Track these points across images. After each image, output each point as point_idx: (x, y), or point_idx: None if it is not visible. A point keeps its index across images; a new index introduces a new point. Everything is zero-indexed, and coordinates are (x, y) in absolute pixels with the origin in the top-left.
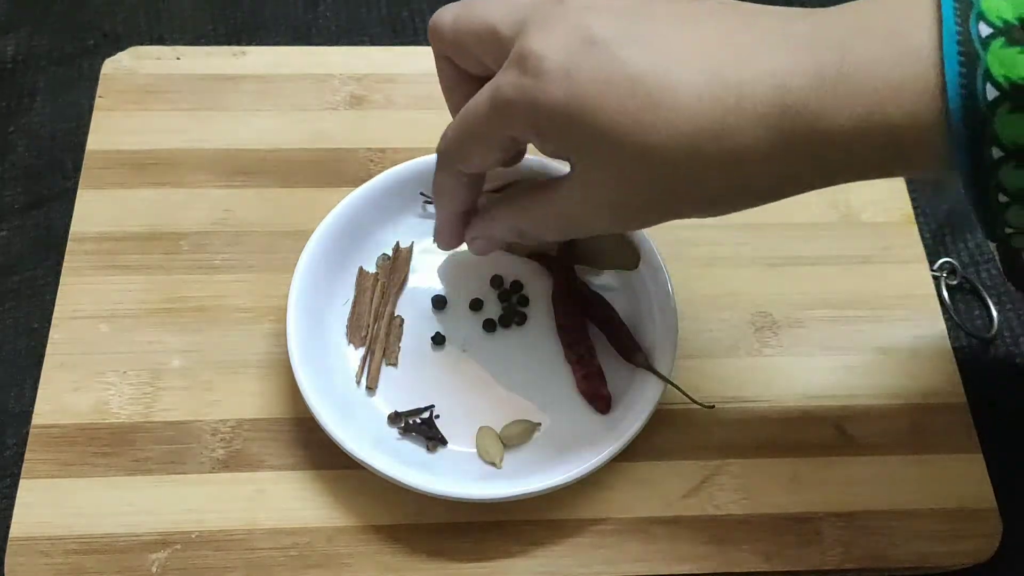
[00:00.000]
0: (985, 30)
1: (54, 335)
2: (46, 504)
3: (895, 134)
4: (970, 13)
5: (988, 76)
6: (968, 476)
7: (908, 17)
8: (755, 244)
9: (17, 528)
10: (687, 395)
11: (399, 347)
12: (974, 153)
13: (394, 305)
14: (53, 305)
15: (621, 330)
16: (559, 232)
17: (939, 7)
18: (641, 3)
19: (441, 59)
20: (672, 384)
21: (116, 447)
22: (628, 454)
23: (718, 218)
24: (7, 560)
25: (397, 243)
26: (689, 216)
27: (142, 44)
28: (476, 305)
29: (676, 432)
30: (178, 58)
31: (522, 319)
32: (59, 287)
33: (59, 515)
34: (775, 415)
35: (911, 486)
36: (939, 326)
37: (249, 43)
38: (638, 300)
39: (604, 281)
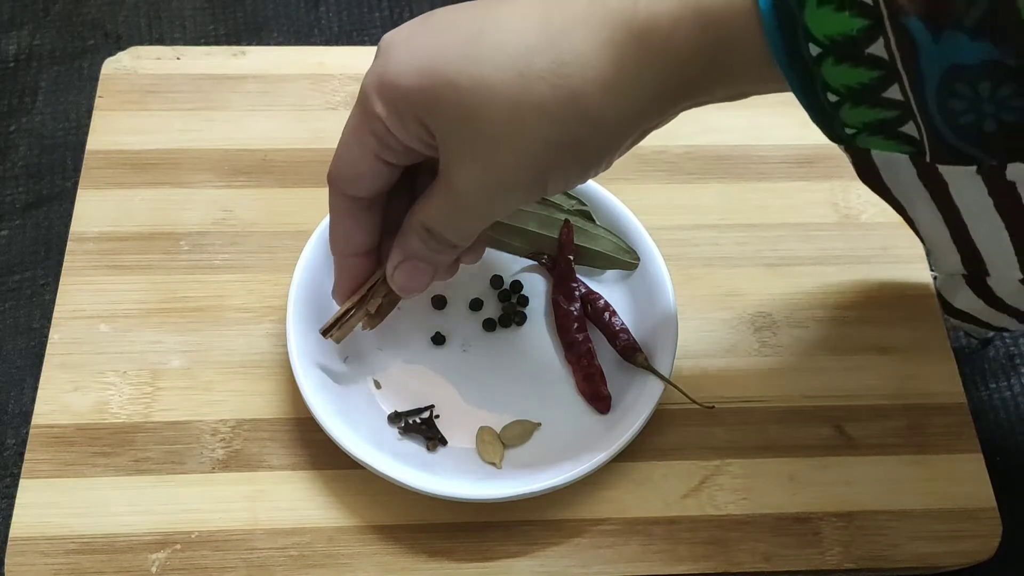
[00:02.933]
0: None
1: (54, 335)
2: (46, 504)
3: (719, 32)
4: None
5: None
6: (968, 476)
7: None
8: (755, 244)
9: (17, 528)
10: (687, 395)
11: (383, 302)
12: (792, 52)
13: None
14: (53, 305)
15: (621, 330)
16: (462, 225)
17: None
18: (471, 5)
19: (340, 200)
20: (672, 384)
21: (116, 447)
22: (628, 454)
23: (718, 218)
24: (7, 560)
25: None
26: (551, 184)
27: (142, 44)
28: (476, 305)
29: (676, 432)
30: (178, 58)
31: (522, 319)
32: (59, 287)
33: (59, 515)
34: (775, 415)
35: (911, 486)
36: (939, 326)
37: (249, 43)
38: (638, 300)
39: (604, 281)
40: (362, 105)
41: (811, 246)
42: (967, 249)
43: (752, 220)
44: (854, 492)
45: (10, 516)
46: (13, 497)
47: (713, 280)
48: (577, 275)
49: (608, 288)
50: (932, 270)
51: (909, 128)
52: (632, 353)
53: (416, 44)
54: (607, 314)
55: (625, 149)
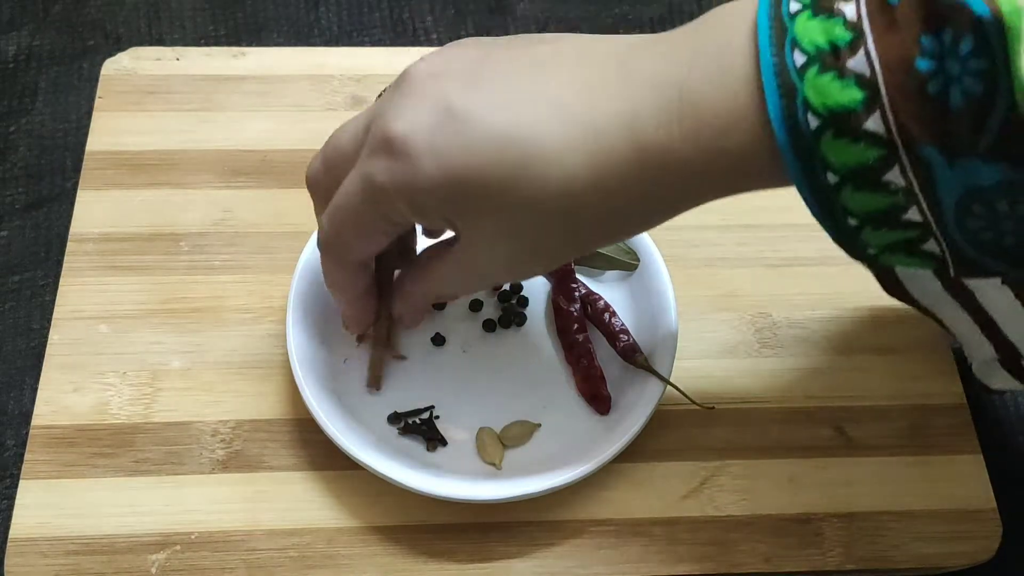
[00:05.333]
0: (800, 58)
1: (54, 335)
2: (46, 505)
3: (739, 162)
4: (785, 40)
5: (808, 105)
6: (968, 476)
7: (731, 46)
8: (755, 244)
9: (17, 528)
10: (687, 396)
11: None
12: (812, 180)
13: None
14: (53, 305)
15: (621, 331)
16: (470, 288)
17: (756, 36)
18: (479, 60)
19: (324, 206)
20: (672, 385)
21: (116, 448)
22: (628, 455)
23: (718, 219)
24: (7, 560)
25: None
26: (571, 256)
27: (142, 44)
28: (476, 306)
29: (676, 433)
30: (178, 59)
31: (521, 320)
32: (59, 287)
33: (59, 515)
34: (775, 415)
35: (911, 487)
36: (939, 326)
37: (249, 44)
38: (638, 300)
39: (604, 281)
40: (373, 198)
41: (812, 246)
42: (998, 340)
43: (752, 220)
44: (855, 493)
45: (10, 517)
46: (13, 498)
47: (713, 280)
48: (577, 276)
49: (608, 288)
50: (966, 356)
51: (931, 246)
52: (632, 354)
53: (442, 146)
54: (607, 315)
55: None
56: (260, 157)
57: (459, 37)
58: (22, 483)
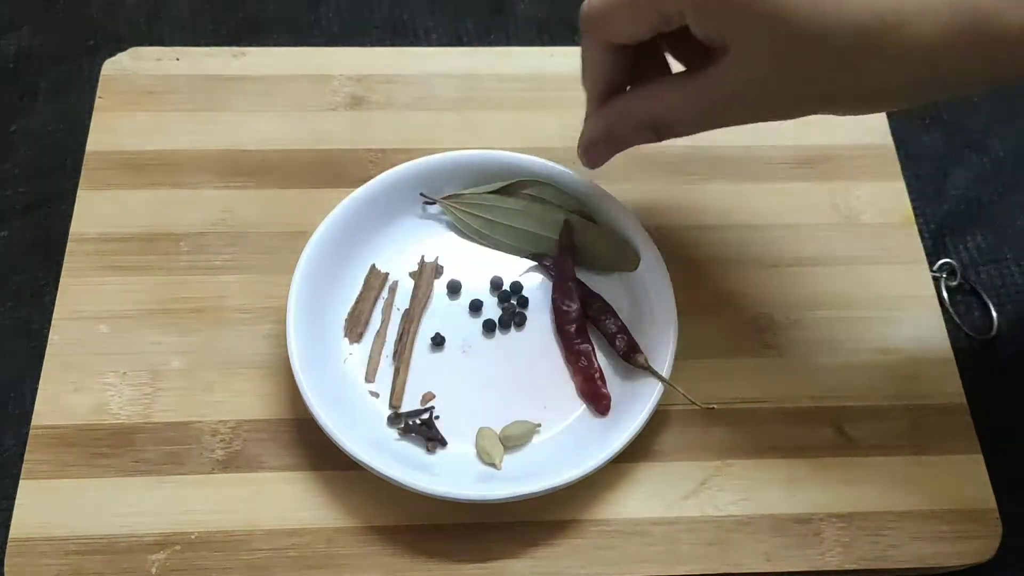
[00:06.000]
0: None
1: (54, 336)
2: (46, 505)
3: None
4: None
5: None
6: (968, 476)
7: None
8: (756, 244)
9: (17, 528)
10: (687, 396)
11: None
12: None
13: (418, 323)
14: (53, 305)
15: (620, 331)
16: (699, 123)
17: None
18: None
19: (598, 47)
20: (672, 385)
21: (116, 448)
22: (628, 455)
23: (718, 219)
24: (7, 560)
25: (422, 257)
26: (838, 111)
27: (142, 44)
28: (476, 306)
29: (676, 433)
30: (178, 59)
31: (521, 320)
32: (59, 287)
33: (59, 515)
34: (775, 415)
35: (911, 487)
36: (939, 326)
37: (249, 44)
38: (638, 300)
39: (604, 281)
40: None
41: (811, 246)
42: None
43: (753, 221)
44: (854, 493)
45: (10, 517)
46: (13, 498)
47: (713, 280)
48: (577, 275)
49: (608, 288)
50: None
51: None
52: (632, 354)
53: None
54: (607, 315)
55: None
56: (260, 157)
57: (459, 37)
58: (22, 483)
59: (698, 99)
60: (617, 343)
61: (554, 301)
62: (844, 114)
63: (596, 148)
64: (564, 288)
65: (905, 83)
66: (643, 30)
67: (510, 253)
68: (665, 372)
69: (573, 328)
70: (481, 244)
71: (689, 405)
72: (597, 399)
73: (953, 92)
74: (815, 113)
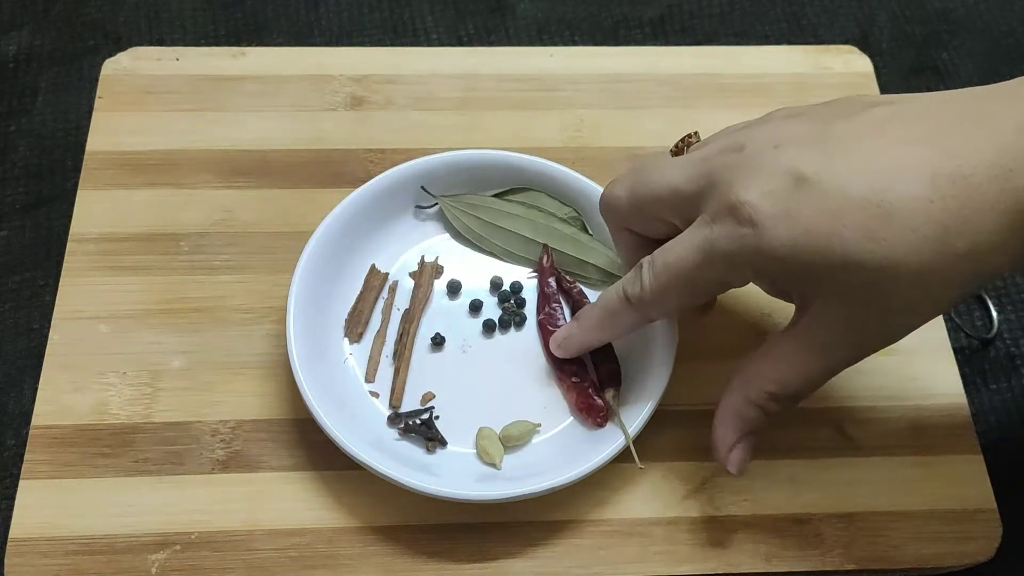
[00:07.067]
0: None
1: (54, 336)
2: (46, 505)
3: None
4: None
5: None
6: (968, 476)
7: None
8: None
9: (17, 529)
10: (633, 455)
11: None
12: None
13: (418, 323)
14: (53, 305)
15: (609, 359)
16: (821, 380)
17: None
18: (820, 127)
19: (620, 231)
20: (628, 441)
21: (116, 448)
22: (628, 456)
23: None
24: (7, 560)
25: (422, 257)
26: (916, 325)
27: (142, 44)
28: (476, 306)
29: (676, 433)
30: (177, 59)
31: (521, 320)
32: (59, 287)
33: (59, 516)
34: (776, 416)
35: (911, 487)
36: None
37: (249, 43)
38: None
39: (604, 286)
40: (713, 263)
41: None
42: None
43: None
44: (855, 493)
45: (10, 517)
46: (13, 498)
47: None
48: (571, 283)
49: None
50: None
51: None
52: (607, 384)
53: (796, 213)
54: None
55: None
56: (260, 157)
57: (459, 37)
58: (22, 483)
59: (801, 349)
60: (600, 368)
61: (540, 324)
62: (919, 326)
63: (742, 449)
64: (548, 310)
65: (982, 280)
66: (695, 304)
67: (501, 257)
68: (665, 372)
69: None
70: (476, 247)
71: (689, 405)
72: (593, 412)
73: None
74: (897, 339)
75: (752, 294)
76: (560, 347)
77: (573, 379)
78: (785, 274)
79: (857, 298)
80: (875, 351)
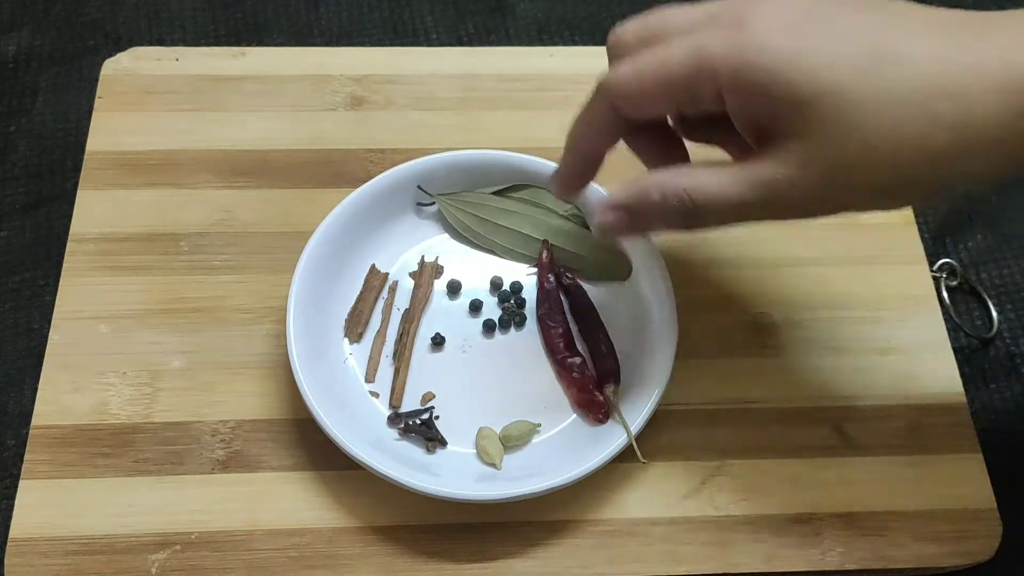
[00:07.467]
0: None
1: (54, 336)
2: (46, 505)
3: None
4: None
5: None
6: (968, 476)
7: None
8: (755, 244)
9: (17, 529)
10: (637, 451)
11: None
12: None
13: (418, 323)
14: (53, 305)
15: (608, 354)
16: (735, 212)
17: None
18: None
19: (605, 109)
20: (631, 437)
21: (116, 448)
22: (628, 455)
23: None
24: (7, 560)
25: (422, 257)
26: (867, 202)
27: (142, 44)
28: (475, 306)
29: (676, 433)
30: (178, 59)
31: (521, 320)
32: (59, 287)
33: (59, 516)
34: (775, 416)
35: (911, 487)
36: (939, 326)
37: (249, 43)
38: (638, 301)
39: (604, 281)
40: (701, 66)
41: (811, 246)
42: None
43: None
44: (854, 492)
45: (10, 517)
46: (13, 498)
47: (713, 281)
48: (569, 283)
49: (608, 288)
50: None
51: None
52: (606, 380)
53: (800, 37)
54: (596, 335)
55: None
56: (260, 157)
57: (459, 37)
58: (22, 483)
59: (738, 185)
60: (599, 364)
61: (540, 319)
62: (889, 209)
63: (620, 217)
64: (548, 307)
65: (963, 171)
66: (666, 112)
67: (502, 255)
68: (665, 372)
69: (561, 343)
70: (475, 245)
71: (689, 405)
72: (594, 408)
73: (1010, 172)
74: (864, 210)
75: (752, 294)
76: (560, 183)
77: (573, 375)
78: (765, 93)
79: (824, 135)
80: (813, 214)
